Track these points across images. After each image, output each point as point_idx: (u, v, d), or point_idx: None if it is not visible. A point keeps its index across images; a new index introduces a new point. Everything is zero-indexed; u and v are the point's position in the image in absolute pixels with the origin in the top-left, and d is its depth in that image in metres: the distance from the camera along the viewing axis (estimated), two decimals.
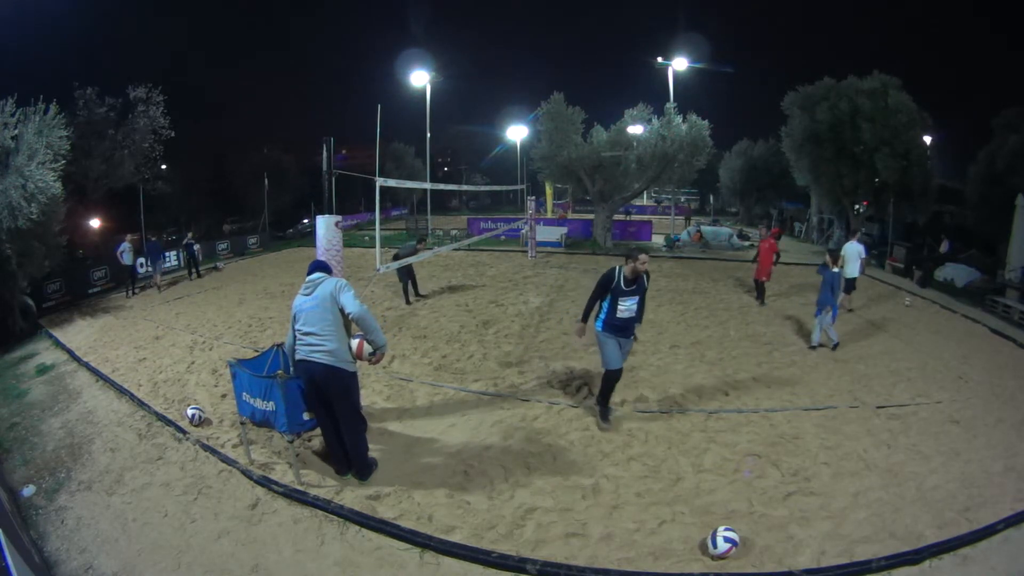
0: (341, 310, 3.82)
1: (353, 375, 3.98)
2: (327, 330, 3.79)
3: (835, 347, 7.31)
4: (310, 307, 3.84)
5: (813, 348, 7.34)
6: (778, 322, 8.84)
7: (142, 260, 14.24)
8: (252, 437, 4.70)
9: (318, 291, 3.84)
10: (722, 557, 3.22)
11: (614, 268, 4.58)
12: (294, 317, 3.95)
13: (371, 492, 3.98)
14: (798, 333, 8.17)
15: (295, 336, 3.95)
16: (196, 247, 14.65)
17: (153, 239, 15.99)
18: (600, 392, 5.03)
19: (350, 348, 3.98)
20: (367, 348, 3.92)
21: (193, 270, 14.60)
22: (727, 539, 3.22)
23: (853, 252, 9.18)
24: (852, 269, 9.15)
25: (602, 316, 4.70)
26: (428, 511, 3.75)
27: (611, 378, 4.84)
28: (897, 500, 3.85)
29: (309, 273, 4.01)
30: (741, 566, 3.21)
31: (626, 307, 4.57)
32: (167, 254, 15.44)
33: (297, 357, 3.93)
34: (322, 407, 4.00)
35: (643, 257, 4.46)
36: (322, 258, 5.02)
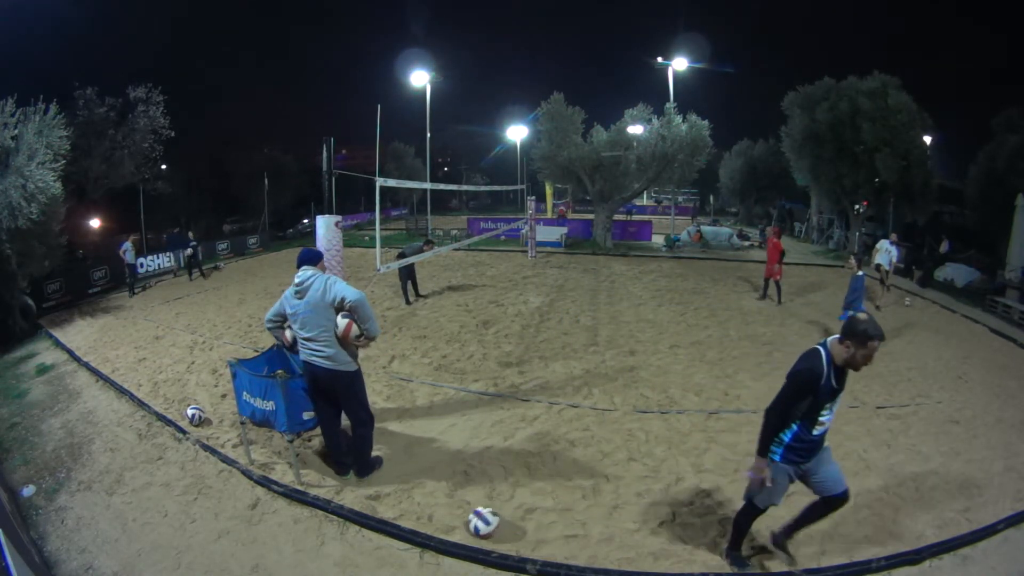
0: (335, 305, 3.75)
1: (356, 373, 3.99)
2: (324, 336, 3.78)
3: None
4: (304, 312, 3.79)
5: None
6: (778, 322, 8.84)
7: (141, 260, 14.39)
8: (252, 437, 4.70)
9: (309, 295, 3.77)
10: (482, 536, 3.43)
11: (816, 352, 2.77)
12: (289, 315, 3.91)
13: (371, 492, 3.98)
14: (798, 333, 8.17)
15: (289, 330, 3.97)
16: (193, 247, 14.48)
17: (175, 231, 16.47)
18: (734, 532, 3.26)
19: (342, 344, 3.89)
20: (354, 330, 3.78)
21: (195, 270, 14.57)
22: (487, 521, 3.47)
23: (883, 245, 10.09)
24: (880, 258, 10.00)
25: (786, 437, 2.86)
26: (428, 511, 3.75)
27: (754, 514, 3.12)
28: (897, 500, 3.85)
29: (299, 264, 3.91)
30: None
31: (828, 418, 2.84)
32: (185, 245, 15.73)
33: (301, 357, 3.96)
34: (325, 404, 4.03)
35: (876, 343, 2.61)
36: None
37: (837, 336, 2.73)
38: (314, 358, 3.83)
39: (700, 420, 5.13)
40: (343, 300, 3.70)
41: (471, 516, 3.53)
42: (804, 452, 2.87)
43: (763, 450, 2.85)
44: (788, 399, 2.79)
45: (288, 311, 3.92)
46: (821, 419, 2.80)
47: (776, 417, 2.81)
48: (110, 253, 15.13)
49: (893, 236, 10.69)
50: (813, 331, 8.27)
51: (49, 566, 3.36)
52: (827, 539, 3.42)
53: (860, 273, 7.06)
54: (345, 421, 4.25)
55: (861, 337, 2.60)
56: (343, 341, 3.81)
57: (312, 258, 3.98)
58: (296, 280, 3.84)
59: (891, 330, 8.50)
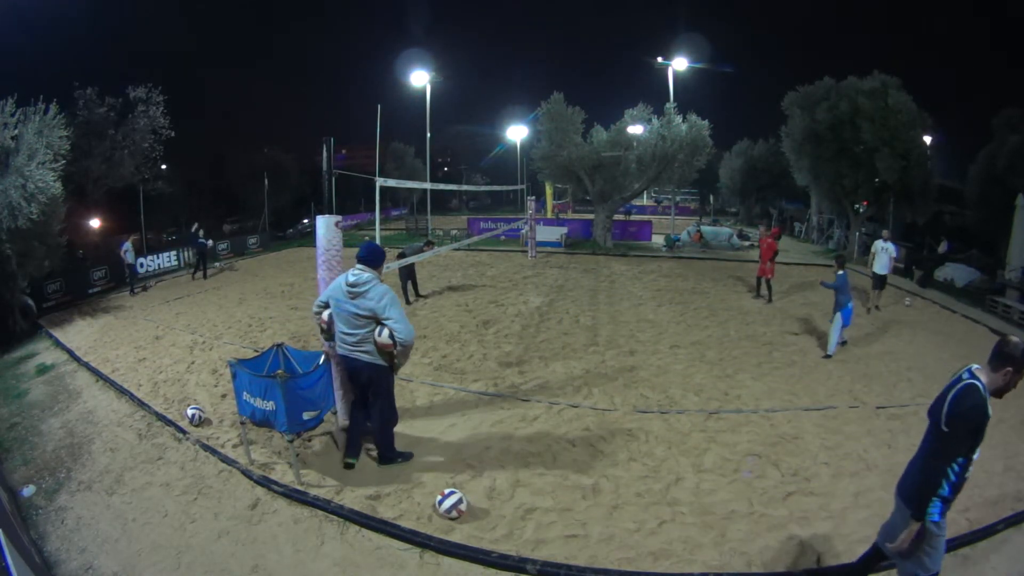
0: (385, 324, 3.82)
1: (389, 368, 4.11)
2: (367, 337, 3.91)
3: (833, 352, 7.06)
4: (350, 311, 3.86)
5: (828, 357, 6.99)
6: (778, 322, 8.83)
7: (141, 260, 14.40)
8: (252, 437, 4.70)
9: (361, 301, 3.80)
10: (441, 504, 3.63)
11: (973, 387, 2.34)
12: (334, 307, 3.97)
13: (371, 492, 3.99)
14: (798, 333, 8.17)
15: (330, 320, 4.07)
16: (208, 243, 14.21)
17: (195, 227, 16.88)
18: None
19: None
20: (389, 348, 3.92)
21: (199, 270, 14.22)
22: (457, 502, 3.63)
23: (879, 247, 9.59)
24: (879, 264, 9.54)
25: (945, 489, 2.36)
26: (428, 511, 3.75)
27: None
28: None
29: (359, 259, 3.91)
30: (742, 566, 3.21)
31: (977, 455, 2.46)
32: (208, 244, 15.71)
33: (338, 351, 4.11)
34: (360, 392, 4.24)
35: None
36: (322, 259, 5.00)
37: (979, 365, 2.43)
38: (355, 353, 3.97)
39: (700, 420, 5.13)
40: (392, 332, 3.78)
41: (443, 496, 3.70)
42: (950, 505, 2.44)
43: (921, 513, 2.39)
44: (962, 446, 2.35)
45: (333, 303, 3.98)
46: (975, 457, 2.41)
47: (947, 474, 2.36)
48: (110, 253, 15.13)
49: (885, 233, 10.23)
50: (812, 331, 8.27)
51: (49, 566, 3.36)
52: (827, 539, 3.42)
53: (841, 272, 7.07)
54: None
55: (1022, 361, 2.30)
56: (378, 347, 3.92)
57: (373, 259, 3.94)
58: (351, 279, 3.85)
59: (891, 330, 8.51)
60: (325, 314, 4.12)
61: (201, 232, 14.38)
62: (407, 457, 4.45)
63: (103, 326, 9.74)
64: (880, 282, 9.69)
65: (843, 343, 7.37)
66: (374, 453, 4.42)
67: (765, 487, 4.00)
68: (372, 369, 3.99)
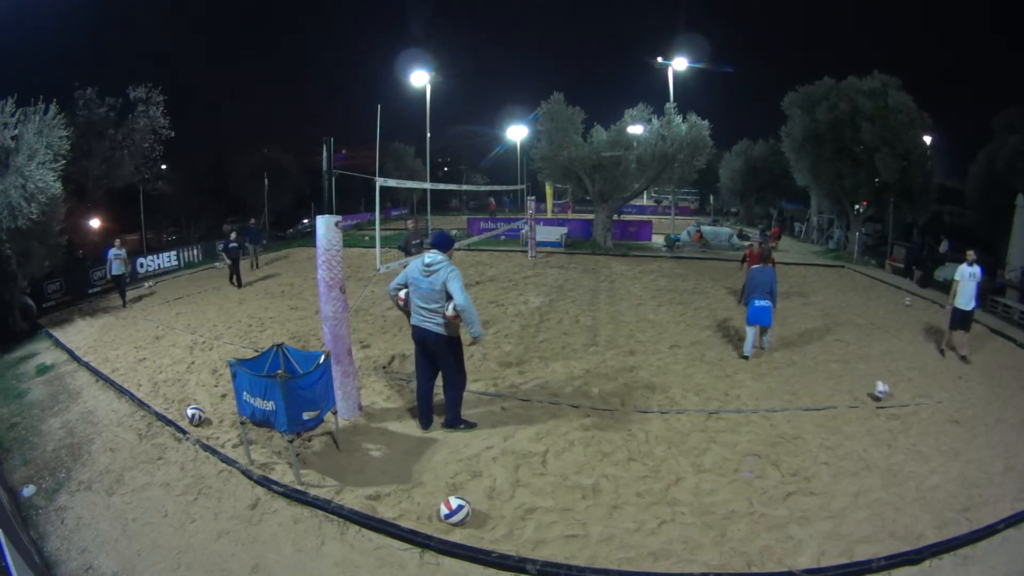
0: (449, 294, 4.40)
1: (458, 339, 4.68)
2: (439, 309, 4.47)
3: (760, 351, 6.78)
4: (425, 287, 4.47)
5: (746, 358, 6.85)
6: (778, 322, 8.81)
7: (141, 260, 14.28)
8: (252, 437, 4.70)
9: (434, 278, 4.43)
10: (450, 520, 3.58)
11: None
12: (407, 279, 4.65)
13: (371, 492, 3.99)
14: (798, 333, 8.17)
15: (407, 298, 4.71)
16: (225, 246, 12.77)
17: (252, 222, 17.39)
18: None
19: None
20: (455, 319, 4.47)
21: (235, 274, 12.67)
22: (459, 506, 3.61)
23: (965, 274, 7.12)
24: (964, 296, 7.05)
25: None
26: (428, 511, 3.75)
27: None
28: (897, 500, 3.85)
29: (432, 245, 4.60)
30: (742, 566, 3.21)
31: None
32: (258, 236, 16.09)
33: (412, 322, 4.69)
34: (425, 363, 4.77)
35: None
36: (322, 259, 5.01)
37: None
38: (426, 324, 4.56)
39: (700, 420, 5.13)
40: (454, 299, 4.37)
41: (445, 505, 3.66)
42: None
43: None
44: None
45: (411, 280, 4.60)
46: None
47: None
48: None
49: (971, 254, 7.24)
50: (813, 331, 8.27)
51: (49, 566, 3.36)
52: (827, 539, 3.42)
53: (755, 267, 7.08)
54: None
55: None
56: (448, 320, 4.48)
57: (443, 244, 4.60)
58: (426, 260, 4.51)
59: (891, 330, 8.51)
60: (403, 292, 4.76)
61: (233, 234, 12.94)
62: (471, 425, 4.92)
63: (103, 326, 9.74)
64: (964, 320, 7.10)
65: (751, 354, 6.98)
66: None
67: (765, 487, 4.00)
68: (439, 338, 4.55)
